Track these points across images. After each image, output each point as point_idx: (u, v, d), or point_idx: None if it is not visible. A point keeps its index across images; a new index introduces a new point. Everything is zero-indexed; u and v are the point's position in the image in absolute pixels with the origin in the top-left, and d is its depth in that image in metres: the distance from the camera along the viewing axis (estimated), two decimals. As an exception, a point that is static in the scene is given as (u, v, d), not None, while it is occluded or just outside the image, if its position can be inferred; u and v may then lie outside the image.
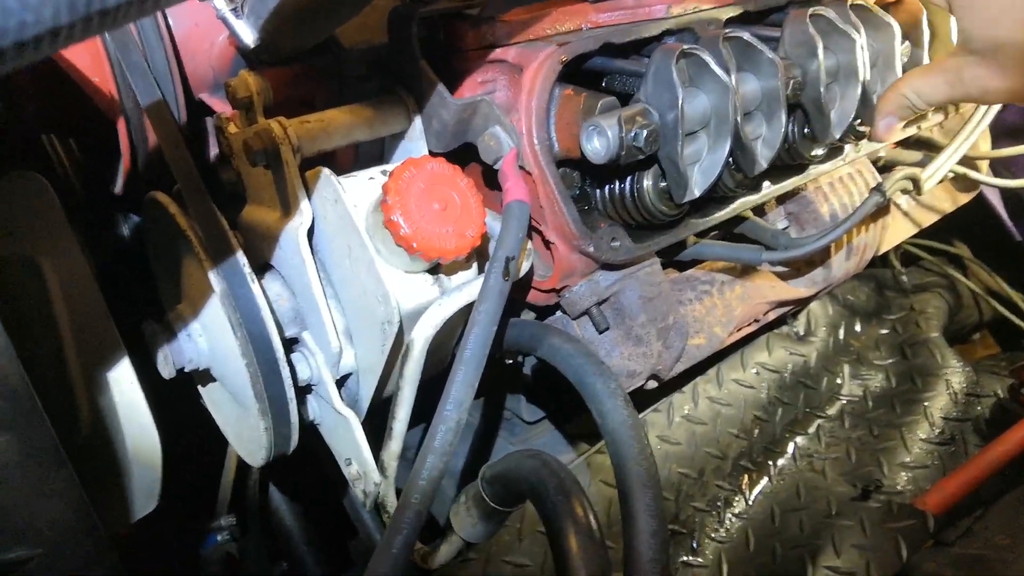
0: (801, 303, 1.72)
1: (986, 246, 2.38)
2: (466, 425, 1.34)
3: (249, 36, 1.16)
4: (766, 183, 1.44)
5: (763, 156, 1.25)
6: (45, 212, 1.14)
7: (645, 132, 1.12)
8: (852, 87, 1.38)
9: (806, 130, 1.42)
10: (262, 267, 1.23)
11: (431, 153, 1.27)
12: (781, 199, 1.62)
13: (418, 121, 1.25)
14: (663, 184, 1.23)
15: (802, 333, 2.13)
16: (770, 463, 1.88)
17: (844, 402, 2.04)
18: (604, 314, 1.35)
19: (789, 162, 1.46)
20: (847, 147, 1.60)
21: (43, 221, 1.14)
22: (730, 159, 1.26)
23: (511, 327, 1.25)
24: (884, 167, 1.91)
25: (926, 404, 1.97)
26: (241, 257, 1.07)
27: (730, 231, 1.61)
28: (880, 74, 1.45)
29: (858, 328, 2.20)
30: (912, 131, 1.76)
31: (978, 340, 2.55)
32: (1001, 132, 2.01)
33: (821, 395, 2.04)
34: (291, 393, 1.10)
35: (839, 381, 2.08)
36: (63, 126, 1.40)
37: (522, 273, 1.18)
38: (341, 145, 1.20)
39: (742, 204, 1.41)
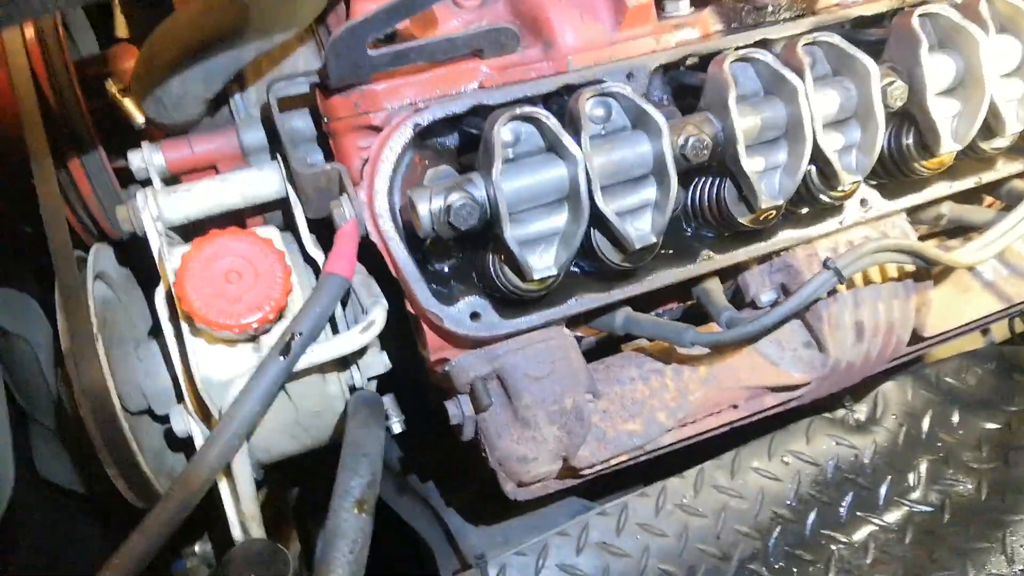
0: (805, 392, 1.48)
1: None
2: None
3: (138, 114, 1.28)
4: (703, 256, 1.27)
5: (638, 238, 1.13)
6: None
7: (462, 208, 1.06)
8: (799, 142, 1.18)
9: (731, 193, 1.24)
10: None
11: (308, 220, 1.30)
12: (764, 262, 1.41)
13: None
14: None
15: (863, 419, 1.80)
16: (795, 570, 1.62)
17: (912, 510, 1.70)
18: (488, 390, 1.29)
19: (722, 231, 1.28)
20: (849, 206, 1.36)
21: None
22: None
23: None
24: (946, 229, 1.57)
25: (1009, 531, 1.57)
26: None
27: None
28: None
29: (955, 419, 1.82)
30: (977, 178, 1.44)
31: None
32: None
33: (879, 497, 1.72)
34: (135, 448, 1.20)
35: (910, 483, 1.74)
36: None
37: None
38: (214, 213, 1.28)
39: (661, 278, 1.27)
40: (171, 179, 1.43)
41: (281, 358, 1.08)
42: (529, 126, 1.14)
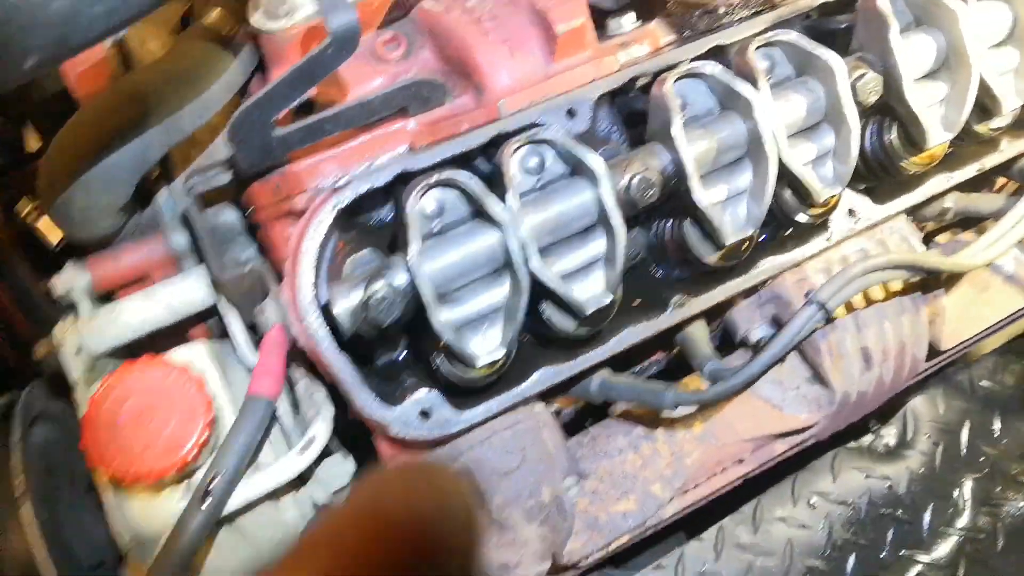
0: (815, 432, 1.30)
1: None
2: None
3: (52, 236, 1.14)
4: (675, 303, 1.13)
5: (590, 301, 0.98)
6: None
7: (379, 302, 0.91)
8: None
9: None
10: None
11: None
12: (752, 294, 1.25)
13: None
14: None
15: (893, 444, 1.62)
16: (840, 630, 1.44)
17: (962, 539, 1.51)
18: (458, 493, 1.11)
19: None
20: (835, 219, 1.19)
21: None
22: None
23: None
24: (955, 222, 1.40)
25: (1074, 553, 1.38)
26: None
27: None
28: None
29: (996, 427, 1.63)
30: (979, 164, 1.27)
31: None
32: None
33: (923, 530, 1.53)
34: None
35: (955, 508, 1.56)
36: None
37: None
38: (141, 334, 1.13)
39: (629, 336, 1.10)
40: (106, 296, 1.28)
41: (202, 506, 0.92)
42: (453, 192, 0.99)
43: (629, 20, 1.18)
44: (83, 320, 1.14)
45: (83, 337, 1.12)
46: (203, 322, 1.32)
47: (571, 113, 1.10)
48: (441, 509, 0.47)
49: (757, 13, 1.20)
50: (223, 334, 1.24)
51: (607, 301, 1.00)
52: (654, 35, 1.18)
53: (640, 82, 1.15)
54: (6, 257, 1.40)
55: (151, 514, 1.01)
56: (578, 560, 1.18)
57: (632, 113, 1.18)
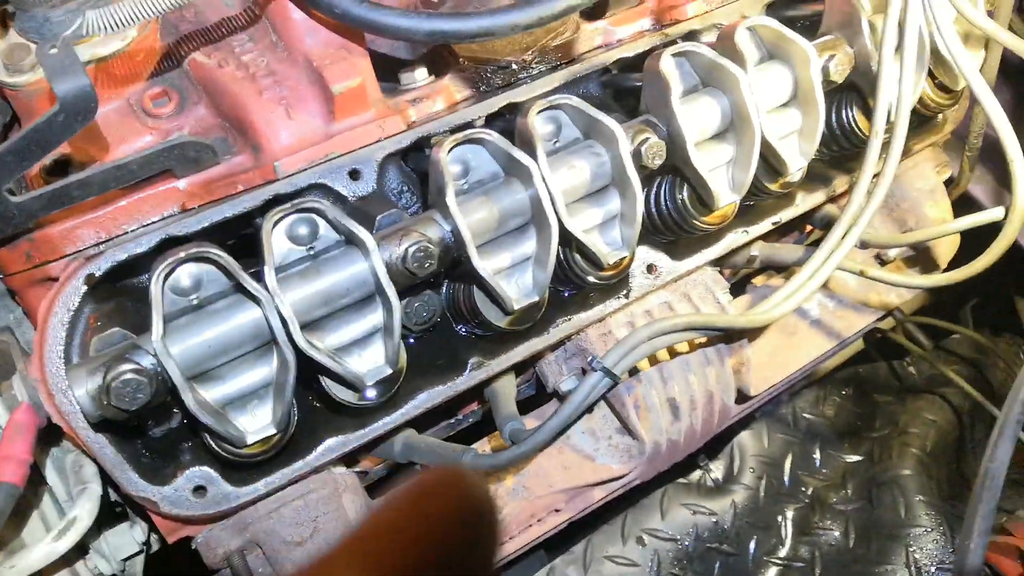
0: (629, 480, 1.31)
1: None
2: None
3: None
4: (473, 364, 1.11)
5: (368, 376, 0.96)
6: None
7: (125, 385, 0.85)
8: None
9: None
10: None
11: None
12: (558, 348, 1.24)
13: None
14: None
15: (720, 478, 1.66)
16: (667, 664, 1.46)
17: (783, 568, 1.56)
18: (247, 563, 1.08)
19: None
20: (635, 275, 1.20)
21: None
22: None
23: None
24: (758, 271, 1.44)
25: (876, 584, 1.44)
26: None
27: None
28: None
29: (817, 458, 1.70)
30: (776, 217, 1.30)
31: None
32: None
33: (749, 561, 1.57)
34: None
35: (777, 538, 1.60)
36: None
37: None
38: None
39: (424, 400, 1.08)
40: None
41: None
42: (210, 265, 0.95)
43: (422, 75, 1.16)
44: None
45: None
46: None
47: (354, 174, 1.07)
48: (476, 512, 0.51)
49: (555, 68, 1.20)
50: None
51: (387, 373, 0.98)
52: (448, 91, 1.16)
53: (434, 140, 1.13)
54: None
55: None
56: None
57: (426, 172, 1.16)
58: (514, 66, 1.17)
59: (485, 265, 1.00)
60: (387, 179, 1.13)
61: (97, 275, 0.97)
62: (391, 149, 1.09)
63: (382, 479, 1.31)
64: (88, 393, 0.87)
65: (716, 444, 1.68)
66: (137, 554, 1.24)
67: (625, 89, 1.23)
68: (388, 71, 1.18)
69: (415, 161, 1.16)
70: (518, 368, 1.29)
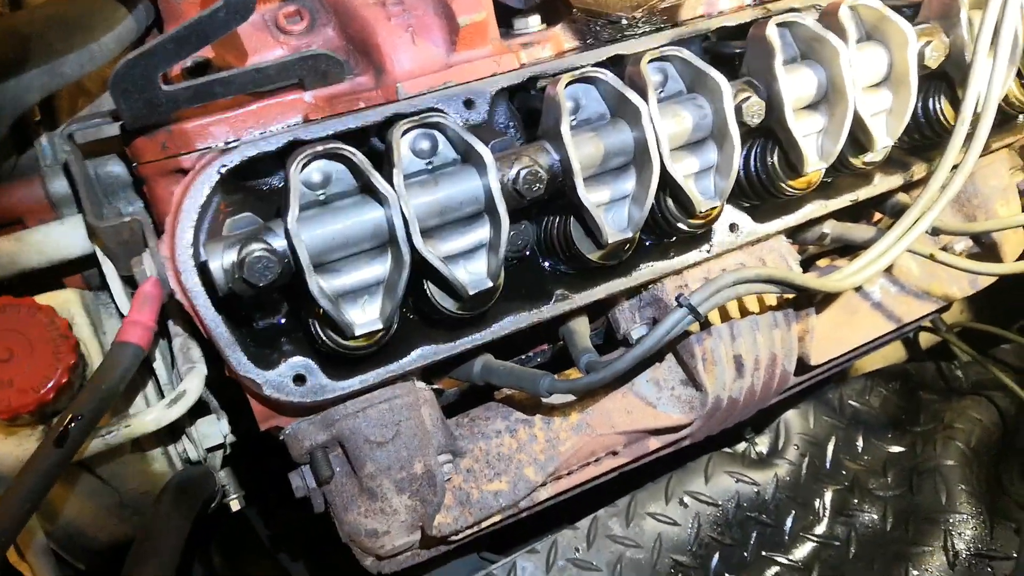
0: (688, 433, 1.36)
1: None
2: None
3: None
4: (559, 295, 1.16)
5: (472, 283, 1.02)
6: None
7: (257, 261, 0.91)
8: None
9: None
10: None
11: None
12: (634, 296, 1.29)
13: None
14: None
15: (765, 452, 1.69)
16: (698, 622, 1.50)
17: (818, 546, 1.59)
18: (328, 460, 1.14)
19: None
20: (717, 232, 1.25)
21: None
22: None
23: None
24: (833, 249, 1.48)
25: (911, 564, 1.47)
26: None
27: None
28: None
29: (860, 444, 1.73)
30: (854, 195, 1.34)
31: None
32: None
33: (784, 534, 1.61)
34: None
35: (815, 516, 1.63)
36: None
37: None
38: (8, 275, 1.11)
39: (511, 323, 1.14)
40: None
41: (56, 448, 0.91)
42: (341, 165, 1.01)
43: (535, 21, 1.22)
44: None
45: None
46: (80, 272, 1.31)
47: (469, 103, 1.13)
48: None
49: (659, 29, 1.25)
50: (100, 286, 1.23)
51: (488, 285, 1.03)
52: (557, 39, 1.22)
53: (540, 83, 1.19)
54: None
55: (4, 452, 1.00)
56: (448, 534, 1.21)
57: (531, 111, 1.21)
58: (624, 21, 1.22)
59: (589, 196, 1.06)
60: (496, 113, 1.19)
61: (230, 166, 1.04)
62: (504, 84, 1.15)
63: (455, 402, 1.36)
64: (222, 266, 0.94)
65: (763, 419, 1.72)
66: (219, 447, 1.30)
67: (724, 55, 1.27)
68: (503, 17, 1.24)
69: (521, 100, 1.21)
70: (590, 315, 1.35)
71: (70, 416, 0.93)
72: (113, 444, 1.01)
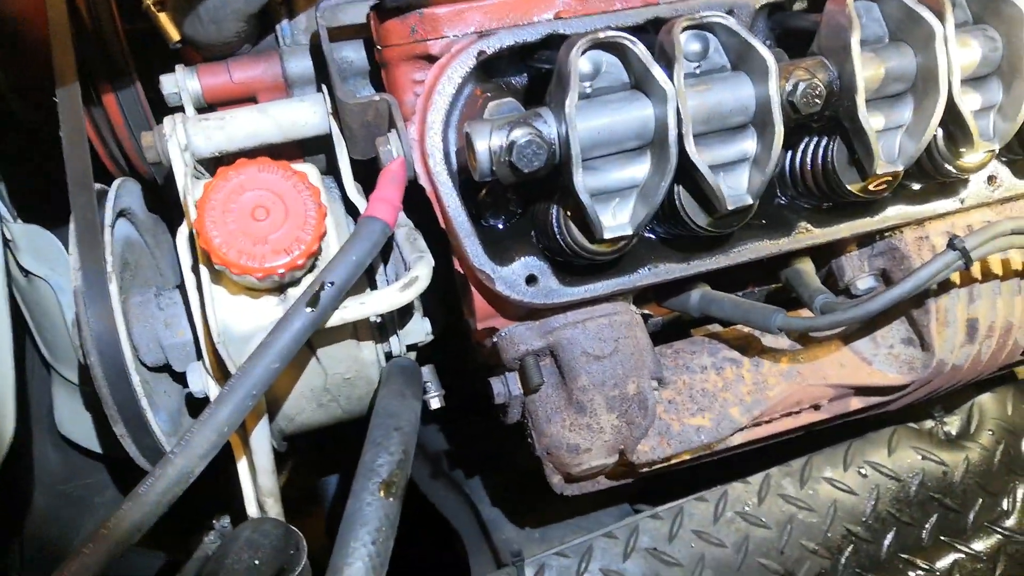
0: (902, 395, 1.28)
1: None
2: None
3: (174, 32, 1.12)
4: (800, 228, 1.08)
5: (732, 198, 0.95)
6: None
7: (527, 145, 0.88)
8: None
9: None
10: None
11: (351, 160, 1.13)
12: (864, 245, 1.21)
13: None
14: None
15: (954, 433, 1.58)
16: (866, 597, 1.43)
17: (1003, 538, 1.48)
18: (539, 368, 1.11)
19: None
20: (973, 182, 1.15)
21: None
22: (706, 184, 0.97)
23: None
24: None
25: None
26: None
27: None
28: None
29: (1060, 440, 1.58)
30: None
31: None
32: None
33: (967, 521, 1.50)
34: (146, 406, 1.06)
35: (1004, 508, 1.52)
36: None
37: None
38: (248, 147, 1.12)
39: (751, 250, 1.07)
40: (206, 108, 1.27)
41: (308, 310, 0.91)
42: (612, 57, 0.96)
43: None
44: (192, 120, 1.12)
45: (190, 136, 1.10)
46: (302, 154, 1.31)
47: (731, 14, 1.05)
48: None
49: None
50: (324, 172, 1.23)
51: (747, 202, 0.97)
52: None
53: (797, 5, 1.10)
54: (121, 55, 1.38)
55: (245, 315, 1.00)
56: (643, 463, 1.18)
57: (786, 32, 1.13)
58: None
59: (867, 118, 0.97)
60: (755, 30, 1.11)
61: (488, 52, 1.01)
62: (771, -3, 1.07)
63: (656, 334, 1.31)
64: (489, 147, 0.90)
65: (953, 400, 1.61)
66: (415, 347, 1.30)
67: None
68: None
69: (776, 21, 1.13)
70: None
71: (323, 283, 0.92)
72: (348, 320, 1.00)
